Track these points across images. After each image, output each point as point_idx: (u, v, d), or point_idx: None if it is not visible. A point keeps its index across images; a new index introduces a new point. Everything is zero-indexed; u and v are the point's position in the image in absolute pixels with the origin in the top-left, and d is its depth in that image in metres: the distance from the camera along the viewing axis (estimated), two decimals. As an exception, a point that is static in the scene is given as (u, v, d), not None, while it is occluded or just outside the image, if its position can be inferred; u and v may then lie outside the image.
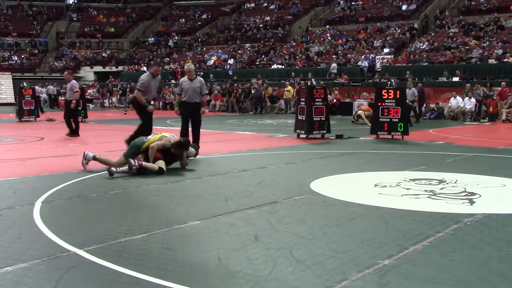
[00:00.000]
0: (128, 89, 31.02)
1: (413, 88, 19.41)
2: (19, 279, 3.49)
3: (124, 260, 3.81)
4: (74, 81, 14.83)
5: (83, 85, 27.98)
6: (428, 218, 5.06)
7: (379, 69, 27.83)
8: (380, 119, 13.16)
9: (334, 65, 29.24)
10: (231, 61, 36.18)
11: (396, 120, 12.91)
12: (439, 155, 10.00)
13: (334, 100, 24.64)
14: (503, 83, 21.31)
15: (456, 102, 21.21)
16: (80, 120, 20.45)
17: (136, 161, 7.59)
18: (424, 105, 22.37)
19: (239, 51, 38.08)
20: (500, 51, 25.66)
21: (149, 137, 8.13)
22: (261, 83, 27.82)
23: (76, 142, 12.77)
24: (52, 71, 43.43)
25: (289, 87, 26.21)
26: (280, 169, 8.39)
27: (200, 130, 10.09)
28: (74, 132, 14.18)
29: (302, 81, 23.49)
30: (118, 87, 34.16)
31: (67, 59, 44.85)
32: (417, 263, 3.79)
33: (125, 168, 7.70)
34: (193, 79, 9.98)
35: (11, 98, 37.20)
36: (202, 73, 32.62)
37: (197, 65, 35.64)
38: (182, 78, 10.49)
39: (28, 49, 45.52)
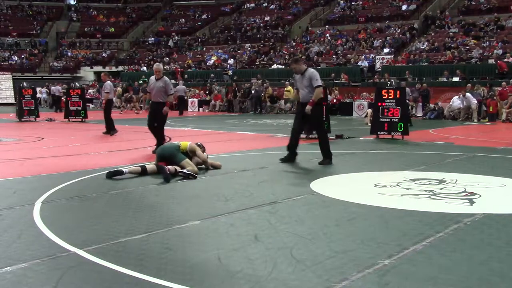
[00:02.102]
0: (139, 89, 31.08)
1: (407, 88, 19.43)
2: (19, 279, 3.49)
3: (124, 260, 3.80)
4: (108, 82, 15.23)
5: (83, 85, 27.97)
6: (428, 218, 5.06)
7: (379, 69, 27.85)
8: (380, 119, 13.17)
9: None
10: (231, 61, 36.19)
11: (396, 120, 12.91)
12: (439, 155, 10.00)
13: (334, 100, 24.65)
14: (503, 83, 21.31)
15: (459, 102, 21.14)
16: (80, 120, 20.60)
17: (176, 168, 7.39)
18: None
19: (239, 51, 38.09)
20: (500, 51, 25.67)
21: (176, 143, 7.97)
22: (261, 83, 27.84)
23: (76, 142, 12.77)
24: (52, 71, 43.45)
25: (289, 87, 26.20)
26: (280, 169, 8.38)
27: (164, 130, 10.43)
28: (109, 131, 14.56)
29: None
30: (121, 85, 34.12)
31: (67, 59, 44.87)
32: (417, 263, 3.78)
33: (135, 168, 7.66)
34: (159, 79, 10.25)
35: (11, 98, 37.21)
36: (230, 73, 32.42)
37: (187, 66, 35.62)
38: (150, 77, 10.73)
39: (28, 49, 45.54)
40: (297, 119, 9.11)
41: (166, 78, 10.52)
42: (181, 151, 7.76)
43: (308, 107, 8.65)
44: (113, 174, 7.32)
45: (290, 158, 8.89)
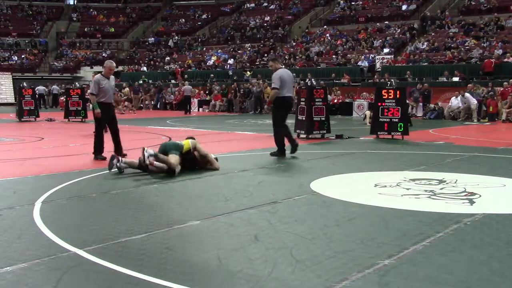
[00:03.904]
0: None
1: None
2: (19, 279, 3.49)
3: (124, 260, 3.81)
4: None
5: (83, 85, 27.96)
6: (428, 218, 5.06)
7: (379, 69, 27.84)
8: (380, 119, 13.17)
9: None
10: (231, 61, 36.17)
11: (396, 120, 12.91)
12: (439, 155, 10.00)
13: (335, 100, 24.66)
14: (505, 83, 21.30)
15: (457, 102, 21.16)
16: (80, 120, 20.60)
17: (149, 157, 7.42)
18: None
19: (239, 51, 38.08)
20: (500, 51, 25.65)
21: (180, 143, 8.01)
22: (261, 83, 27.83)
23: (76, 142, 12.76)
24: (52, 71, 43.43)
25: (289, 87, 26.20)
26: (280, 169, 8.39)
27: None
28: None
29: (302, 81, 23.50)
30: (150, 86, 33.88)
31: (67, 59, 44.85)
32: (417, 263, 3.79)
33: (133, 161, 7.75)
34: (109, 78, 9.50)
35: (11, 98, 37.22)
36: (249, 73, 32.07)
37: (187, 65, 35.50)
38: (96, 76, 9.54)
39: (28, 49, 45.52)
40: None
41: (112, 76, 9.70)
42: (184, 151, 7.84)
43: (266, 106, 9.64)
44: (111, 164, 7.53)
45: (292, 150, 9.72)
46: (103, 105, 9.31)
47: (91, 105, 9.56)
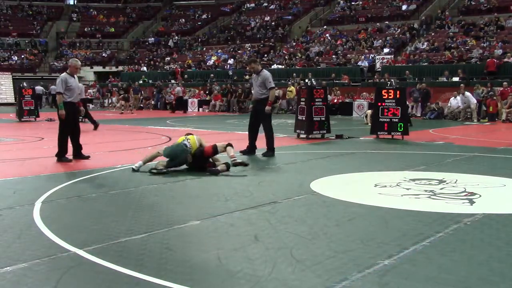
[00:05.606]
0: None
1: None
2: (19, 279, 3.49)
3: (124, 260, 3.81)
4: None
5: (84, 85, 28.00)
6: (428, 218, 5.06)
7: (379, 69, 27.84)
8: (380, 119, 13.17)
9: None
10: (231, 61, 36.17)
11: (396, 120, 12.91)
12: (439, 155, 10.01)
13: (335, 100, 24.65)
14: (504, 83, 21.31)
15: (457, 102, 21.17)
16: (80, 120, 20.56)
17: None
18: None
19: (239, 51, 38.07)
20: (500, 51, 25.65)
21: (188, 144, 7.99)
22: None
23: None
24: (52, 71, 43.42)
25: (292, 87, 26.26)
26: (280, 169, 8.39)
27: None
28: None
29: (302, 81, 23.51)
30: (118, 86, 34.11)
31: (67, 59, 44.77)
32: (417, 263, 3.79)
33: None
34: (75, 77, 9.28)
35: (11, 98, 37.22)
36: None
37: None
38: (63, 75, 9.17)
39: (28, 49, 45.49)
40: (251, 116, 10.10)
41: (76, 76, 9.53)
42: (194, 151, 7.94)
43: (268, 108, 9.68)
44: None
45: (250, 151, 9.89)
46: (70, 105, 9.08)
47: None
